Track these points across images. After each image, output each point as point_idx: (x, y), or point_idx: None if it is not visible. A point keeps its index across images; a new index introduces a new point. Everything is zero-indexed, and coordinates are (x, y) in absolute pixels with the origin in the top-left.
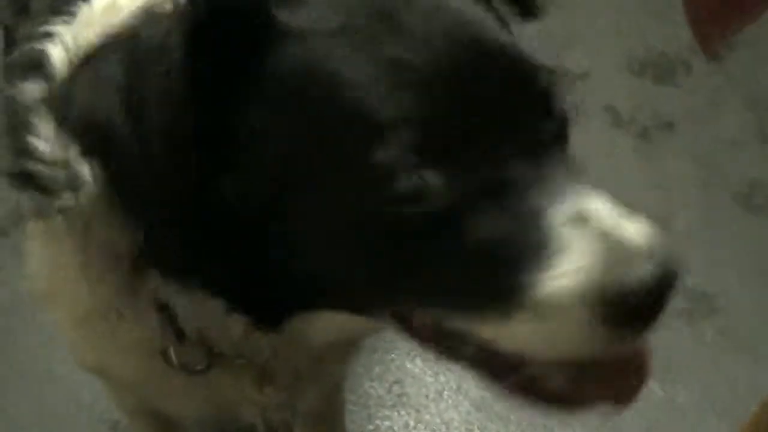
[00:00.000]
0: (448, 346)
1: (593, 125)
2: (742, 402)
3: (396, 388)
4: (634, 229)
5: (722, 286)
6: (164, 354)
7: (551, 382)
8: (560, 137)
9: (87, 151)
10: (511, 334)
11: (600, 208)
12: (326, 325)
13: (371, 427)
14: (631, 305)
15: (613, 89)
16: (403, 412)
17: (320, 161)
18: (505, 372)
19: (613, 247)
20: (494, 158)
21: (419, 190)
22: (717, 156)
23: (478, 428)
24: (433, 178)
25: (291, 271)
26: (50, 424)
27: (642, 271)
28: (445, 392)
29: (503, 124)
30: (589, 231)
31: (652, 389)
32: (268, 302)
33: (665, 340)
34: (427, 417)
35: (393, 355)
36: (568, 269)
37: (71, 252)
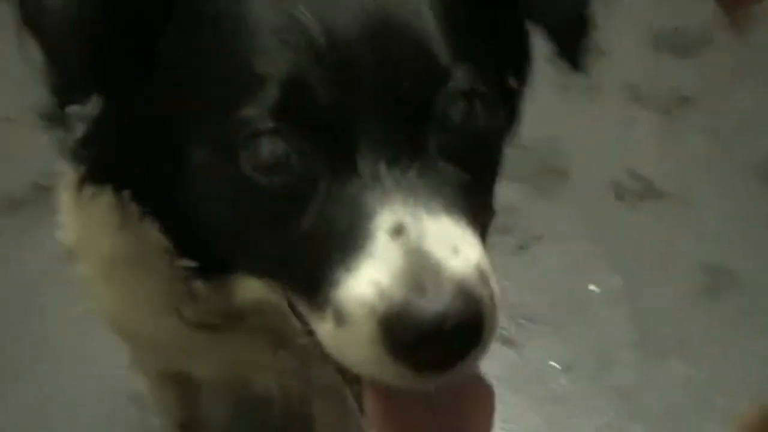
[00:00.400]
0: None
1: (613, 101)
2: (762, 379)
3: None
4: (448, 260)
5: (741, 260)
6: (178, 310)
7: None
8: (442, 149)
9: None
10: (323, 332)
11: (428, 229)
12: (244, 288)
13: None
14: (409, 338)
15: (632, 65)
16: None
17: (205, 102)
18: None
19: (416, 270)
20: (350, 144)
21: (275, 156)
22: (736, 130)
23: (499, 402)
24: (285, 145)
25: (190, 214)
26: (69, 399)
27: (431, 305)
28: None
29: (372, 115)
30: (401, 244)
31: (672, 365)
32: (193, 248)
33: (685, 314)
34: None
35: None
36: (367, 277)
37: (93, 206)
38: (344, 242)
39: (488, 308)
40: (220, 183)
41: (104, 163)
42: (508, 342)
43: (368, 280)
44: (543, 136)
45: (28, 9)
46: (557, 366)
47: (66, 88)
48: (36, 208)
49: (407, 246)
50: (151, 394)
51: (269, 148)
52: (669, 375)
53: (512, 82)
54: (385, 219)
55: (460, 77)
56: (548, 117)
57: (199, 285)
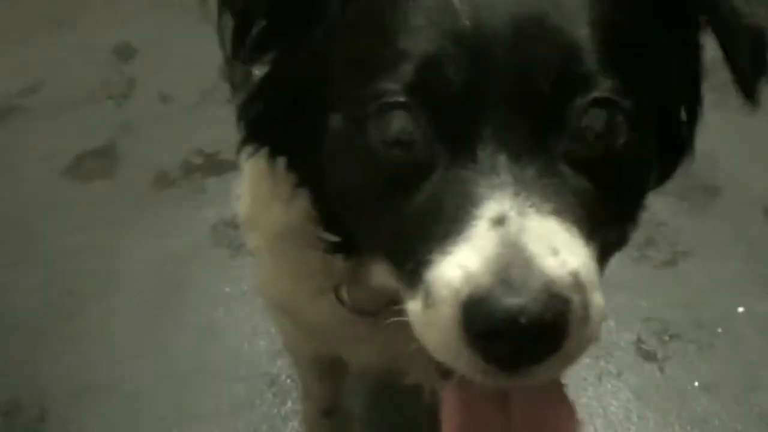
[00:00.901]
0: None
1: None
2: None
3: None
4: (542, 258)
5: None
6: (336, 292)
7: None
8: (570, 155)
9: None
10: (412, 311)
11: (530, 225)
12: (377, 271)
13: None
14: (484, 325)
15: None
16: None
17: (349, 70)
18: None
19: (506, 261)
20: (474, 131)
21: (401, 131)
22: None
23: (637, 416)
24: (412, 122)
25: (326, 184)
26: (209, 375)
27: (511, 296)
28: (605, 377)
29: (501, 106)
30: (499, 235)
31: None
32: (332, 221)
33: None
34: (585, 400)
35: None
36: (458, 261)
37: (266, 179)
38: (447, 225)
39: (577, 316)
40: (348, 152)
41: (262, 124)
42: (650, 357)
43: (458, 263)
44: (698, 150)
45: None
46: (699, 385)
47: (245, 39)
48: (186, 186)
49: (504, 237)
50: (299, 377)
51: (398, 122)
52: None
53: (681, 115)
54: (490, 208)
55: (605, 88)
56: (703, 132)
57: (341, 263)
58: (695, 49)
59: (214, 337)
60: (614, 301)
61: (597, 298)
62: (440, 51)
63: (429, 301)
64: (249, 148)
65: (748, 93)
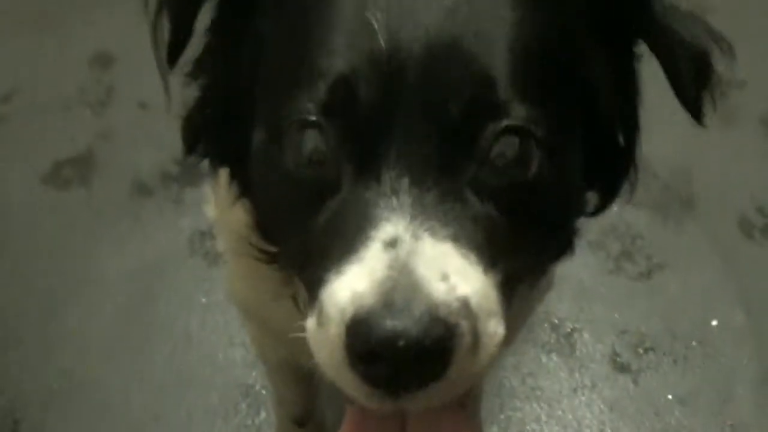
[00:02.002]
0: None
1: (746, 134)
2: None
3: (530, 381)
4: (429, 283)
5: None
6: (294, 299)
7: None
8: (476, 183)
9: None
10: (308, 328)
11: (422, 249)
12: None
13: (502, 416)
14: (363, 347)
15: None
16: (535, 405)
17: (272, 86)
18: None
19: (392, 284)
20: (380, 152)
21: (313, 151)
22: None
23: (611, 428)
24: (324, 142)
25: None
26: (185, 385)
27: (391, 319)
28: (579, 389)
29: (408, 129)
30: (389, 257)
31: None
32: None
33: None
34: (559, 412)
35: (529, 347)
36: (348, 281)
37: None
38: (345, 245)
39: (463, 343)
40: (267, 168)
41: (200, 137)
42: (624, 369)
43: (348, 284)
44: (672, 164)
45: None
46: (673, 398)
47: (178, 44)
48: (163, 196)
49: (394, 260)
50: (271, 384)
51: (310, 141)
52: None
53: (618, 138)
54: (385, 230)
55: (518, 116)
56: (679, 145)
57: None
58: (631, 72)
59: (189, 347)
60: (589, 313)
61: (492, 326)
62: (353, 71)
63: (321, 320)
64: (191, 160)
65: (693, 113)
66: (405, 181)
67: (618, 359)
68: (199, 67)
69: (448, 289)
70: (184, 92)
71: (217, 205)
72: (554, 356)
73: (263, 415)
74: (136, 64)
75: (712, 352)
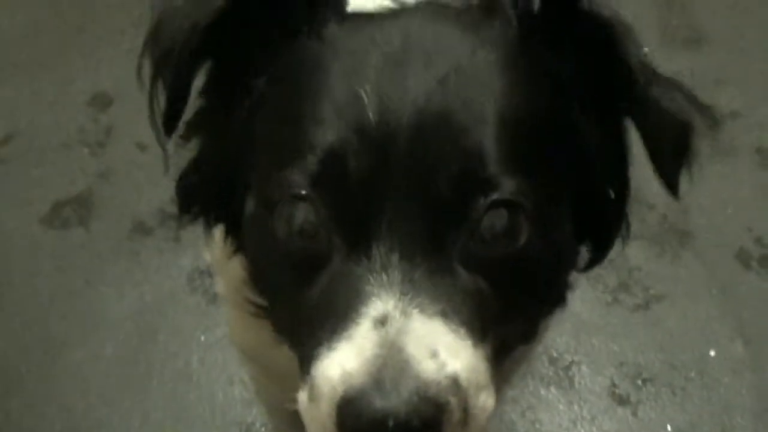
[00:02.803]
0: None
1: (741, 165)
2: None
3: (529, 414)
4: (419, 361)
5: None
6: None
7: None
8: (466, 256)
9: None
10: (300, 401)
11: (411, 327)
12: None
13: None
14: (354, 427)
15: (764, 129)
16: None
17: (264, 156)
18: None
19: (382, 363)
20: (370, 228)
21: (303, 224)
22: None
23: None
24: (314, 214)
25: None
26: (184, 423)
27: (381, 399)
28: (579, 422)
29: (399, 205)
30: (379, 335)
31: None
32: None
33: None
34: None
35: (528, 381)
36: (339, 359)
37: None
38: (335, 320)
39: (453, 419)
40: (258, 236)
41: (194, 198)
42: (623, 401)
43: (338, 361)
44: (668, 195)
45: (153, 35)
46: (673, 430)
47: (174, 112)
48: (161, 235)
49: (384, 338)
50: (270, 422)
51: (301, 213)
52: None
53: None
54: (375, 307)
55: (507, 190)
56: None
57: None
58: (620, 135)
59: (188, 385)
60: (587, 346)
61: (482, 400)
62: (343, 144)
63: (312, 395)
64: (186, 218)
65: (670, 185)
66: (395, 257)
67: (617, 391)
68: (191, 130)
69: (438, 367)
70: (177, 154)
71: (214, 251)
72: (553, 389)
73: None
74: (135, 105)
75: (711, 382)
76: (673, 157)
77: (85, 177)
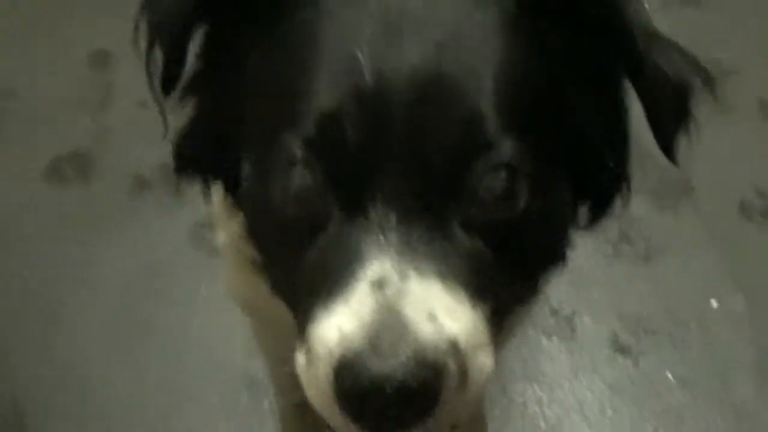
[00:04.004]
0: None
1: (744, 121)
2: None
3: (531, 363)
4: (417, 324)
5: None
6: None
7: None
8: (465, 219)
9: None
10: (298, 364)
11: (409, 289)
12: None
13: (505, 400)
14: (351, 390)
15: (765, 83)
16: (536, 388)
17: (261, 120)
18: None
19: (379, 326)
20: (367, 190)
21: (299, 187)
22: None
23: (611, 410)
24: (311, 178)
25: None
26: (187, 383)
27: (378, 363)
28: (580, 371)
29: (396, 167)
30: (377, 298)
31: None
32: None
33: None
34: (561, 394)
35: (529, 331)
36: (336, 321)
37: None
38: (332, 283)
39: (451, 383)
40: (255, 200)
41: (191, 159)
42: (624, 352)
43: (336, 324)
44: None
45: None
46: (674, 379)
47: (171, 74)
48: (163, 189)
49: (381, 301)
50: (271, 374)
51: (297, 177)
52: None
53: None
54: (372, 270)
55: (506, 154)
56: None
57: None
58: (620, 97)
59: (189, 340)
60: (589, 297)
61: (480, 362)
62: (340, 108)
63: (310, 357)
64: (183, 178)
65: (667, 150)
66: (392, 219)
67: (618, 341)
68: (188, 92)
69: (436, 330)
70: (176, 115)
71: (214, 206)
72: (555, 339)
73: (266, 404)
74: (134, 62)
75: (712, 334)
76: (672, 120)
77: (84, 134)
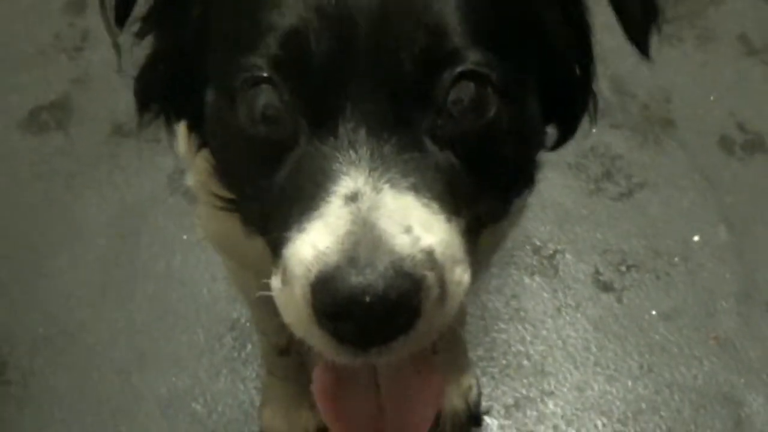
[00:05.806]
0: None
1: (725, 53)
2: None
3: (513, 303)
4: (393, 236)
5: None
6: None
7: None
8: (435, 131)
9: None
10: (274, 286)
11: (383, 202)
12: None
13: (488, 339)
14: (330, 304)
15: (746, 17)
16: (519, 327)
17: (222, 46)
18: None
19: (355, 240)
20: (336, 105)
21: (266, 107)
22: None
23: (595, 347)
24: (276, 97)
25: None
26: (171, 323)
27: (356, 275)
28: (563, 309)
29: (363, 81)
30: (351, 212)
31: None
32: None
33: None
34: (544, 332)
35: (512, 270)
36: (311, 239)
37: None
38: (305, 201)
39: (430, 294)
40: (221, 126)
41: (153, 95)
42: (607, 288)
43: (311, 241)
44: (651, 84)
45: None
46: (657, 314)
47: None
48: (141, 136)
49: (356, 215)
50: (252, 316)
51: (263, 97)
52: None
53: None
54: (344, 185)
55: (472, 61)
56: (658, 66)
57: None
58: (581, 8)
59: (172, 284)
60: (571, 234)
61: (458, 274)
62: (304, 24)
63: (285, 278)
64: (146, 116)
65: (640, 45)
66: (362, 133)
67: (601, 278)
68: (146, 26)
69: (412, 242)
70: (134, 51)
71: (180, 147)
72: (537, 278)
73: (249, 347)
74: (110, 8)
75: (695, 268)
76: (641, 16)
77: (62, 82)
